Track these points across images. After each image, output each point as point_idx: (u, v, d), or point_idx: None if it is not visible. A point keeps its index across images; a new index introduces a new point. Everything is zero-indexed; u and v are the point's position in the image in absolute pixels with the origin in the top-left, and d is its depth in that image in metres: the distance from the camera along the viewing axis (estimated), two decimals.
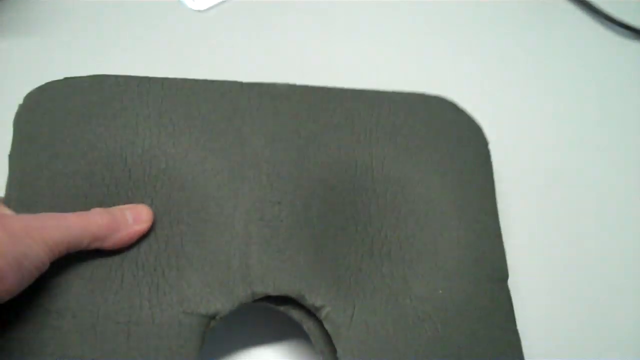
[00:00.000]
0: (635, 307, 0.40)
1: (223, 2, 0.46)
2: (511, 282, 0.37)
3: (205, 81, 0.38)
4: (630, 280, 0.40)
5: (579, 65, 0.48)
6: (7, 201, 0.33)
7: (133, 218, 0.33)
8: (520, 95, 0.46)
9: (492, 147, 0.40)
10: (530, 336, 0.37)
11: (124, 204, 0.33)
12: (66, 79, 0.36)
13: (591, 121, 0.46)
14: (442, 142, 0.39)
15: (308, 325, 0.34)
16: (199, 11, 0.46)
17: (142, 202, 0.34)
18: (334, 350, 0.33)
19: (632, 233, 0.42)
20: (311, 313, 0.34)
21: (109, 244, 0.32)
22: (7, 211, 0.32)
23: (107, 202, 0.33)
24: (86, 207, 0.33)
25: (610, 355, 0.38)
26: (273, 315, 0.35)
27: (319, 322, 0.34)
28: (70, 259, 0.32)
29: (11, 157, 0.34)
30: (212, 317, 0.32)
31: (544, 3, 0.50)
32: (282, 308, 0.34)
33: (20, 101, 0.35)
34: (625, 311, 0.39)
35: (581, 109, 0.46)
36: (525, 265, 0.40)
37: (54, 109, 0.35)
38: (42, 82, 0.36)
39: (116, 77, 0.37)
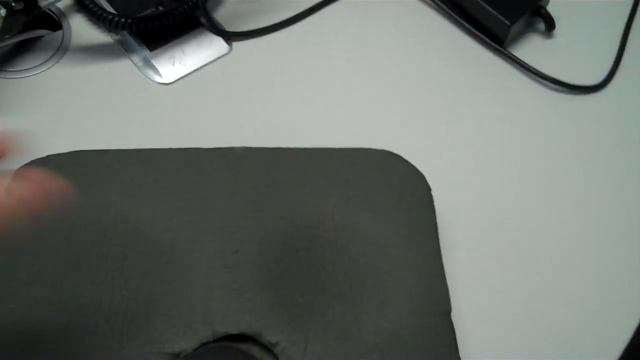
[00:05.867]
0: (576, 337, 0.49)
1: (186, 75, 0.57)
2: (455, 315, 0.47)
3: (170, 150, 0.49)
4: (571, 312, 0.50)
5: (515, 118, 0.59)
6: None
7: None
8: (461, 145, 0.57)
9: (435, 193, 0.51)
10: None
11: (99, 259, 0.44)
12: (47, 156, 0.47)
13: (528, 168, 0.56)
14: (388, 191, 0.49)
15: None
16: (165, 84, 0.57)
17: (116, 257, 0.44)
18: None
19: (568, 271, 0.52)
20: (269, 350, 0.44)
21: None
22: None
23: (83, 257, 0.44)
24: (66, 263, 0.43)
25: None
26: (236, 352, 0.44)
27: (277, 358, 0.43)
28: (50, 309, 0.42)
29: None
30: (177, 355, 0.42)
31: (480, 62, 0.62)
32: (242, 345, 0.43)
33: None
34: (567, 343, 0.49)
35: (517, 158, 0.57)
36: (468, 299, 0.49)
37: None
38: (27, 160, 0.47)
39: (90, 151, 0.48)
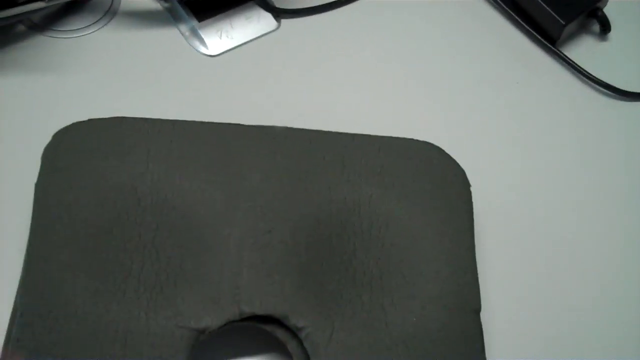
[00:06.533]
0: (608, 347, 0.48)
1: (232, 48, 0.57)
2: (483, 315, 0.46)
3: (210, 123, 0.48)
4: (599, 320, 0.49)
5: (563, 120, 0.57)
6: (32, 225, 0.43)
7: None
8: (505, 144, 0.56)
9: (474, 190, 0.50)
10: None
11: (131, 227, 0.43)
12: (89, 120, 0.47)
13: (570, 174, 0.55)
14: (427, 183, 0.49)
15: (291, 344, 0.43)
16: (211, 56, 0.56)
17: (147, 225, 0.44)
18: None
19: (601, 277, 0.51)
20: (294, 333, 0.43)
21: None
22: None
23: (115, 223, 0.44)
24: (95, 228, 0.43)
25: None
26: (259, 333, 0.44)
27: (301, 342, 0.43)
28: (79, 273, 0.42)
29: (37, 185, 0.45)
30: (202, 331, 0.41)
31: (531, 60, 0.60)
32: (267, 327, 0.43)
33: (49, 137, 0.46)
34: (595, 350, 0.48)
35: (561, 162, 0.55)
36: (498, 300, 0.48)
37: (78, 146, 0.46)
38: (69, 121, 0.47)
39: (132, 119, 0.47)
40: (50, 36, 0.55)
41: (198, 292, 0.43)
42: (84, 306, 0.41)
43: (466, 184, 0.49)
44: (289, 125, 0.49)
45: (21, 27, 0.55)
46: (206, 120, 0.49)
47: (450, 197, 0.49)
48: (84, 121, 0.47)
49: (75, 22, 0.56)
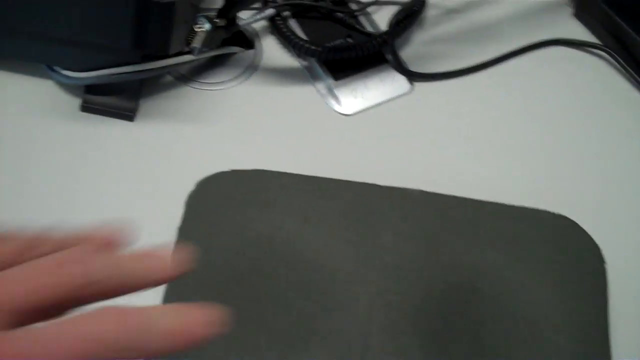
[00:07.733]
0: None
1: (366, 108, 0.58)
2: None
3: (345, 182, 0.49)
4: None
5: None
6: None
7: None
8: None
9: (610, 268, 0.48)
10: None
11: (264, 278, 0.44)
12: (232, 170, 0.48)
13: None
14: (559, 257, 0.48)
15: None
16: (345, 115, 0.57)
17: (280, 278, 0.45)
18: None
19: None
20: None
21: None
22: None
23: (249, 273, 0.45)
24: (230, 276, 0.44)
25: None
26: None
27: None
28: None
29: (180, 229, 0.47)
30: None
31: None
32: None
33: (192, 183, 0.48)
34: None
35: None
36: None
37: (220, 195, 0.47)
38: (209, 169, 0.49)
39: (271, 172, 0.49)
40: (196, 87, 0.58)
41: (327, 346, 0.43)
42: (216, 352, 0.42)
43: (601, 260, 0.48)
44: (417, 186, 0.50)
45: (169, 78, 0.58)
46: (338, 177, 0.50)
47: (584, 273, 0.47)
48: (226, 171, 0.49)
49: (219, 75, 0.58)
